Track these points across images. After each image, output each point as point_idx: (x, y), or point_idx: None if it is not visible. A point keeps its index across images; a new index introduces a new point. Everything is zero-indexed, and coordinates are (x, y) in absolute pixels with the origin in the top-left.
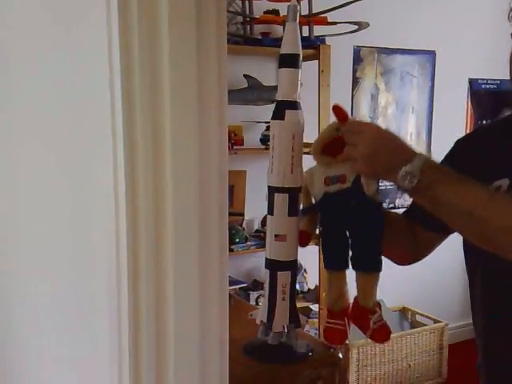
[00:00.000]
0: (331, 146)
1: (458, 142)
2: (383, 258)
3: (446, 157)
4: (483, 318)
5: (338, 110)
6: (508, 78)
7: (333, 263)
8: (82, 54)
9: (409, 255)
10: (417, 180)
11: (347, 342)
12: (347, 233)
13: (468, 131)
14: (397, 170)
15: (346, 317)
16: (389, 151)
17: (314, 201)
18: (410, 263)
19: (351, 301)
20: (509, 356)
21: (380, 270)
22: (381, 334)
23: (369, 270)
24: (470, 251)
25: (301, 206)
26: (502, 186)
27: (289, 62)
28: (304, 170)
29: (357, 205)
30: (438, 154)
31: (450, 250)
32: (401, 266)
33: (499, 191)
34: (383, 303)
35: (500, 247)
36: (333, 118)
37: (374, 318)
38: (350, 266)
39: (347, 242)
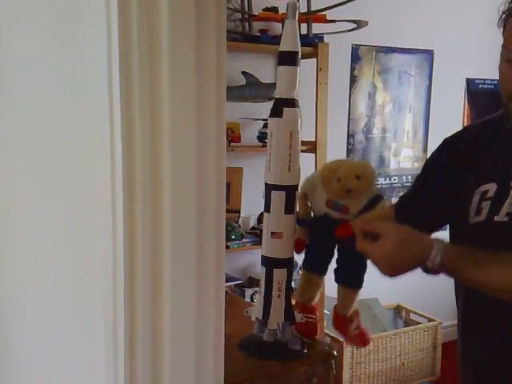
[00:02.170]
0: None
1: (446, 141)
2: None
3: (433, 155)
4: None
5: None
6: None
7: (313, 267)
8: (80, 51)
9: None
10: (439, 271)
11: (341, 339)
12: (335, 247)
13: None
14: (417, 267)
15: (316, 311)
16: (408, 255)
17: (310, 209)
18: None
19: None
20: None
21: (361, 287)
22: (360, 339)
23: (350, 287)
24: None
25: (297, 208)
26: (489, 190)
27: (287, 59)
28: (301, 170)
29: (353, 235)
30: None
31: None
32: None
33: (486, 195)
34: (377, 301)
35: None
36: (331, 118)
37: (353, 327)
38: (334, 277)
39: (331, 254)
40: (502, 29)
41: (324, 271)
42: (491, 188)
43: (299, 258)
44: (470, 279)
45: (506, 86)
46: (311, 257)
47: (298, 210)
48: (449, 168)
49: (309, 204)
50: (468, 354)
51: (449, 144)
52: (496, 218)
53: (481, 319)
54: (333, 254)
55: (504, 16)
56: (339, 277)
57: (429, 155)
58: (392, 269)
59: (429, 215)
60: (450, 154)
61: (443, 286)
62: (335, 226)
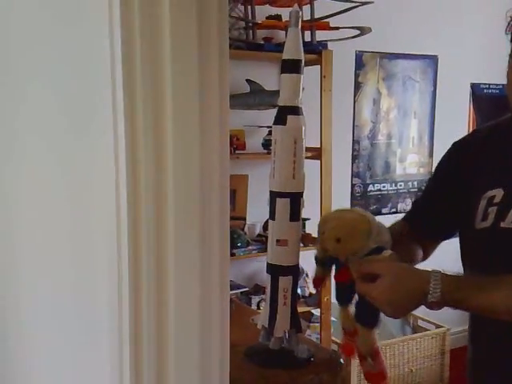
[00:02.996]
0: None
1: (455, 145)
2: None
3: (442, 159)
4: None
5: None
6: None
7: (339, 300)
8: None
9: (419, 259)
10: (441, 305)
11: None
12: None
13: None
14: (419, 303)
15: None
16: (407, 291)
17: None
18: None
19: None
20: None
21: (377, 327)
22: (376, 378)
23: (367, 326)
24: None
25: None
26: (496, 195)
27: (291, 67)
28: (306, 177)
29: (352, 279)
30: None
31: (451, 255)
32: None
33: (493, 200)
34: None
35: None
36: (335, 124)
37: (370, 366)
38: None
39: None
40: (509, 35)
41: (350, 301)
42: (498, 194)
43: (305, 265)
44: (474, 307)
45: None
46: (336, 291)
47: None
48: (457, 172)
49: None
50: (477, 354)
51: (457, 148)
52: (502, 225)
53: (490, 319)
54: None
55: None
56: (357, 315)
57: (435, 160)
58: (393, 308)
59: (440, 221)
60: (459, 158)
61: None
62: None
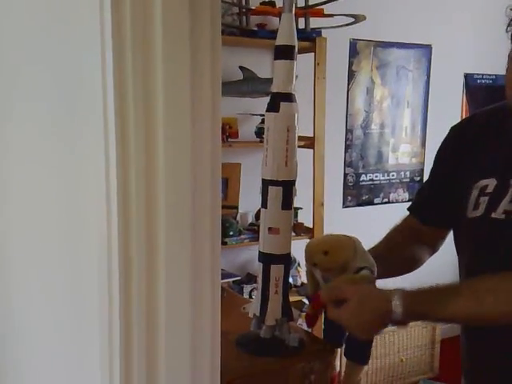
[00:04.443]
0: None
1: (453, 130)
2: None
3: (441, 146)
4: None
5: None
6: (503, 73)
7: (328, 340)
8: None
9: (426, 258)
10: (408, 321)
11: None
12: None
13: None
14: (385, 322)
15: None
16: (371, 312)
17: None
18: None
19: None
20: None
21: (364, 363)
22: None
23: (354, 361)
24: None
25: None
26: (488, 185)
27: (284, 53)
28: (299, 165)
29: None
30: (433, 148)
31: (444, 248)
32: None
33: (486, 190)
34: None
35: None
36: (328, 113)
37: None
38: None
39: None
40: (509, 34)
41: (338, 343)
42: (491, 183)
43: (297, 254)
44: (437, 319)
45: None
46: (326, 328)
47: (307, 284)
48: (454, 158)
49: (315, 279)
50: (471, 345)
51: (455, 133)
52: (493, 215)
53: None
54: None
55: None
56: (346, 350)
57: (427, 151)
58: (361, 329)
59: (444, 208)
60: (455, 144)
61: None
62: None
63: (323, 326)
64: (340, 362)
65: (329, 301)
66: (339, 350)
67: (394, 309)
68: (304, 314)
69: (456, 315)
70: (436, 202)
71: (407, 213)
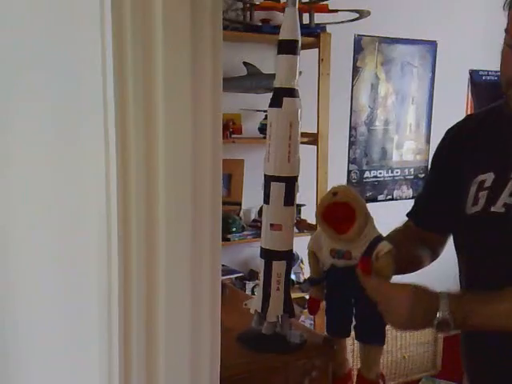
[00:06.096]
0: (331, 211)
1: (449, 132)
2: None
3: (438, 147)
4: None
5: (364, 262)
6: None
7: (335, 331)
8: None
9: (429, 261)
10: (452, 324)
11: None
12: (352, 302)
13: None
14: (430, 323)
15: (349, 382)
16: (421, 313)
17: (321, 267)
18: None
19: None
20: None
21: (383, 343)
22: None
23: (372, 343)
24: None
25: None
26: (486, 180)
27: (287, 48)
28: (302, 162)
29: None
30: None
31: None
32: None
33: (484, 184)
34: None
35: None
36: (332, 109)
37: None
38: (354, 336)
39: (351, 312)
40: (507, 12)
41: (346, 332)
42: (489, 178)
43: (300, 251)
44: (481, 320)
45: (505, 70)
46: (331, 319)
47: (309, 268)
48: (451, 160)
49: (319, 262)
50: (472, 344)
51: (450, 135)
52: (493, 209)
53: None
54: (352, 312)
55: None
56: (359, 333)
57: (431, 147)
58: (404, 328)
59: (443, 213)
60: (451, 145)
61: (445, 279)
62: (345, 275)
63: (325, 319)
64: (353, 356)
65: (375, 295)
66: (348, 346)
67: (440, 304)
68: (306, 306)
69: (500, 316)
70: (434, 207)
71: (409, 212)
